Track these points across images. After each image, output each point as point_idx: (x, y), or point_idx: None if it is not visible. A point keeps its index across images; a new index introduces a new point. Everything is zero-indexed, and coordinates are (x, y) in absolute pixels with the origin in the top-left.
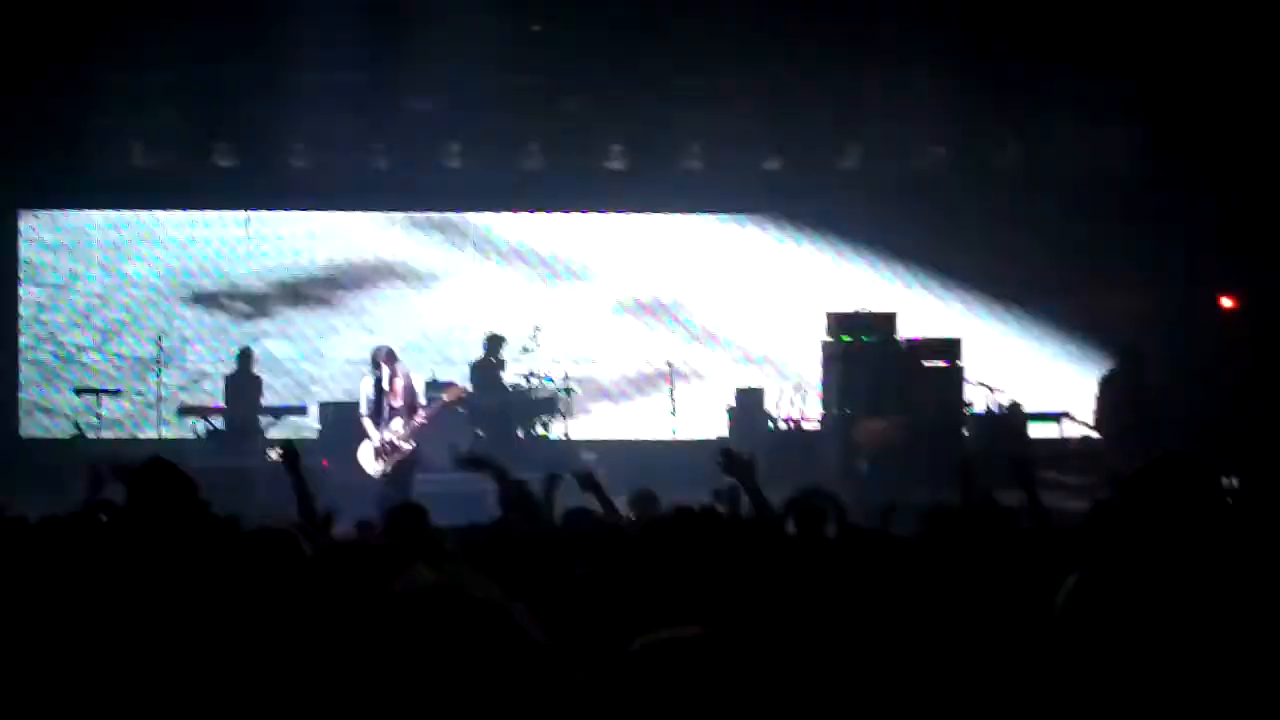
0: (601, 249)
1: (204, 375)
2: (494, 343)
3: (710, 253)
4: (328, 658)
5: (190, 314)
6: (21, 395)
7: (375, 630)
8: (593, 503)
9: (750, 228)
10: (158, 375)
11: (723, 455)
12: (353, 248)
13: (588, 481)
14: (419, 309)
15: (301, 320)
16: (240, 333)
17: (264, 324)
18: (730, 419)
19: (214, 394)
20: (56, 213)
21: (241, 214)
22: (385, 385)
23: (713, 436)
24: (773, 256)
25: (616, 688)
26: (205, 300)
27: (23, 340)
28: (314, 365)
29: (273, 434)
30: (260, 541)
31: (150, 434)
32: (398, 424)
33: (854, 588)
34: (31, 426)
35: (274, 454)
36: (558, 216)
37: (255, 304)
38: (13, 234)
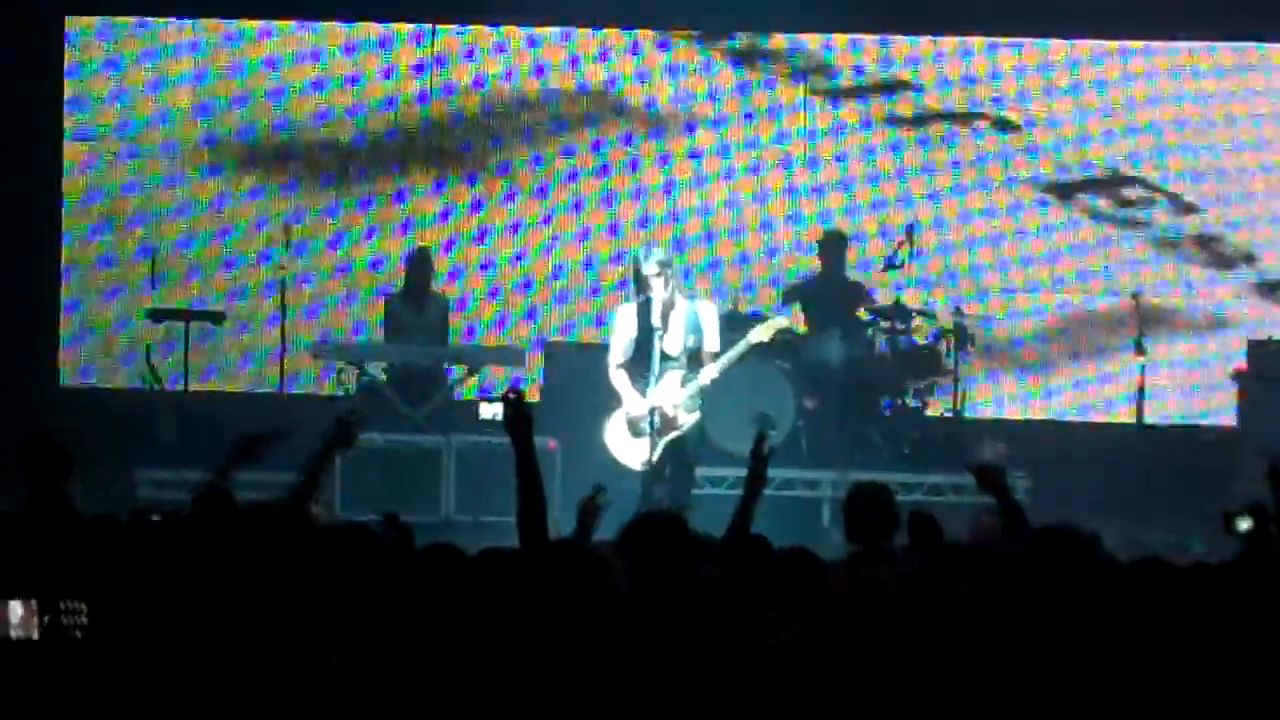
0: (1002, 96)
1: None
2: (833, 248)
3: (1210, 94)
4: None
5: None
6: (64, 321)
7: None
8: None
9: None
10: (280, 293)
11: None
12: (565, 72)
13: (987, 476)
14: (678, 187)
15: (440, 195)
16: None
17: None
18: (1241, 394)
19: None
20: (116, 21)
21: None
22: (657, 319)
23: (1208, 422)
24: None
25: None
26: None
27: (67, 244)
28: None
29: (464, 392)
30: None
31: (269, 386)
32: (672, 382)
33: None
34: (77, 371)
35: (488, 411)
36: (947, 40)
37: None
38: (57, 52)
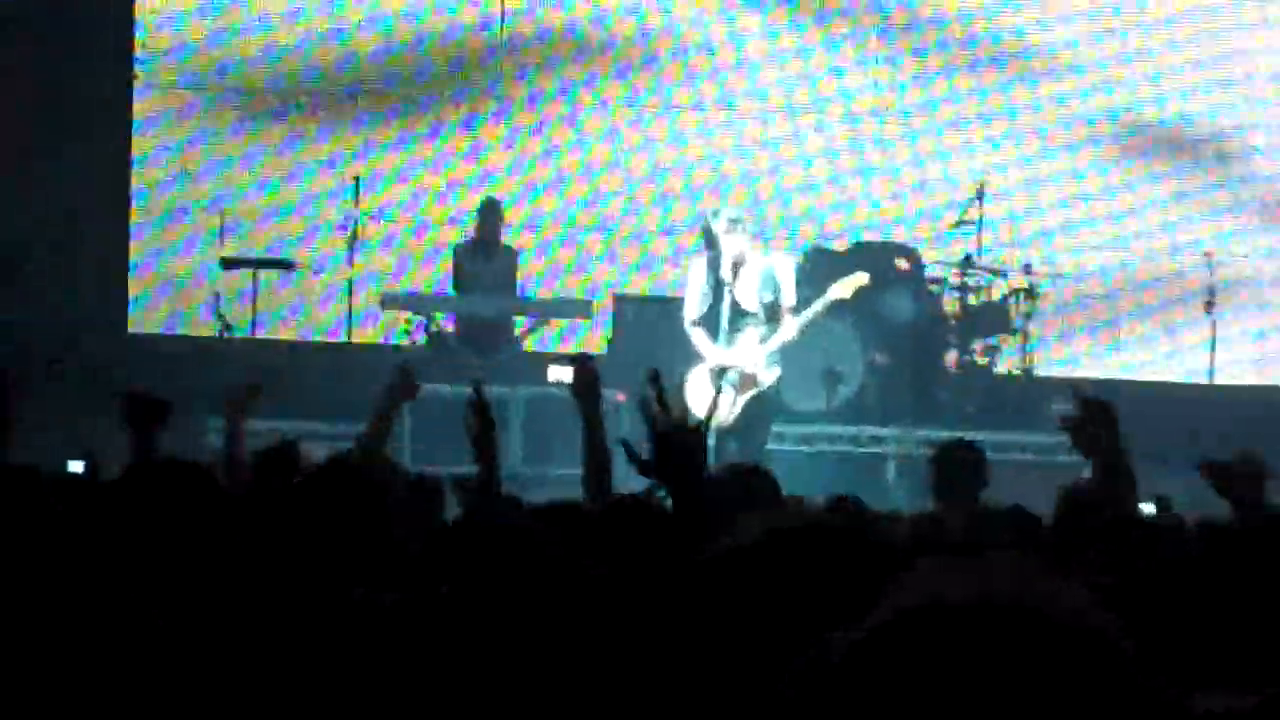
0: (1073, 43)
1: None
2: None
3: None
4: None
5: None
6: (135, 273)
7: None
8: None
9: None
10: (351, 236)
11: None
12: None
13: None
14: (750, 141)
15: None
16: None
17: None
18: None
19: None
20: None
21: None
22: (726, 273)
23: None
24: None
25: None
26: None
27: (138, 197)
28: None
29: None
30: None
31: (337, 336)
32: (751, 339)
33: None
34: (147, 317)
35: (555, 374)
36: None
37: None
38: (125, 5)
